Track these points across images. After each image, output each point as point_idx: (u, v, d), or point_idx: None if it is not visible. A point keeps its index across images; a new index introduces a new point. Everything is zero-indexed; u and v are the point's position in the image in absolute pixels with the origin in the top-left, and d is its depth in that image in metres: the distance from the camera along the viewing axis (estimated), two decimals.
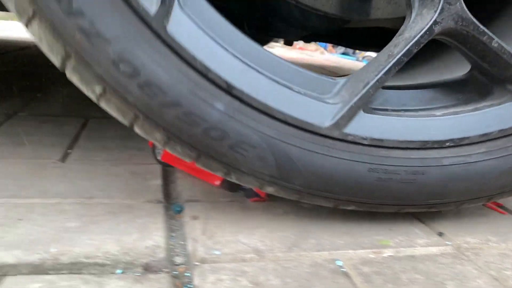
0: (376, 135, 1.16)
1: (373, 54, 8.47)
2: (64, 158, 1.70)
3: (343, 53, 7.80)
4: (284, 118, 1.07)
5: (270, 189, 1.20)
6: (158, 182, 1.55)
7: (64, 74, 1.08)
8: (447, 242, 1.28)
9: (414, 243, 1.25)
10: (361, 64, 7.62)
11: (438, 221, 1.41)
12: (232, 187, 1.47)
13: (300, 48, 8.38)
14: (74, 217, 1.23)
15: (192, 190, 1.51)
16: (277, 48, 7.15)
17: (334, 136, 1.12)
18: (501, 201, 1.60)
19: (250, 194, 1.44)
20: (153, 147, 1.69)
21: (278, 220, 1.32)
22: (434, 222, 1.40)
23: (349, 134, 1.13)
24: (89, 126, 2.21)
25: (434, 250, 1.23)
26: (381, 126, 1.16)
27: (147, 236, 1.17)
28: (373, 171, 1.17)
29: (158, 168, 1.65)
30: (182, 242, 1.19)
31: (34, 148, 1.76)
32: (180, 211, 1.35)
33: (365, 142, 1.15)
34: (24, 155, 1.68)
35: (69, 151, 1.80)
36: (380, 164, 1.17)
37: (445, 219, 1.44)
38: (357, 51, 7.27)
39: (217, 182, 1.48)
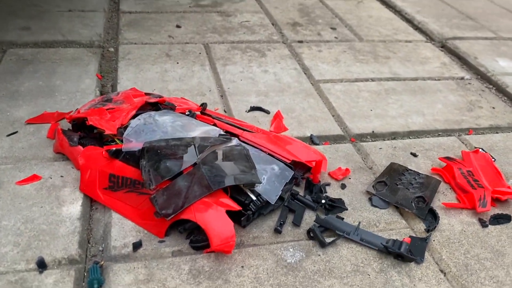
0: None
1: None
2: None
3: None
4: None
5: None
6: (77, 208, 1.06)
7: None
8: None
9: None
10: None
11: None
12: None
13: None
14: None
15: (123, 226, 1.04)
16: None
17: None
18: None
19: (201, 246, 0.98)
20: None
21: None
22: None
23: None
24: (3, 68, 1.61)
25: None
26: None
27: None
28: None
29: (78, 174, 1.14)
30: None
31: None
32: (98, 287, 0.91)
33: None
34: None
35: None
36: None
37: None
38: None
39: (163, 234, 1.01)
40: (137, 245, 0.99)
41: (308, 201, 1.12)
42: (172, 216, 0.98)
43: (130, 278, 0.93)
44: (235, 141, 1.14)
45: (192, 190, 1.00)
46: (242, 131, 1.24)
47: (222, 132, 1.19)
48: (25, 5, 2.10)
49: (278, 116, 1.46)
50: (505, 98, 1.79)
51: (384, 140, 1.44)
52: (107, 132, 1.17)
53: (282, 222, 1.06)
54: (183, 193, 1.00)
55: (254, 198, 1.04)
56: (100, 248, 1.00)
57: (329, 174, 1.24)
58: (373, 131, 1.47)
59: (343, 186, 1.21)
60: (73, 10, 2.10)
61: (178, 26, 2.06)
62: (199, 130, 1.17)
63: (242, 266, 0.97)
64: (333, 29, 2.21)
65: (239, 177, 1.02)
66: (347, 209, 1.13)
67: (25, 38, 1.81)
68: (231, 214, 0.99)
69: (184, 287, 0.92)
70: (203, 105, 1.33)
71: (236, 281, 0.94)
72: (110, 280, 0.92)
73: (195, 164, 1.05)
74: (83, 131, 1.25)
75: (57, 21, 1.98)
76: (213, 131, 1.18)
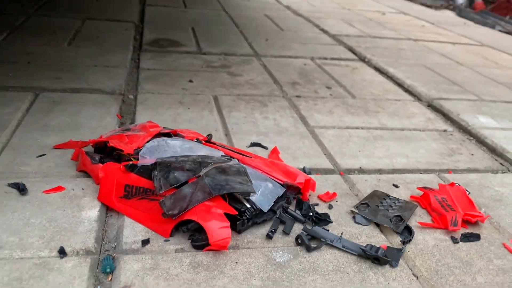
0: None
1: None
2: None
3: None
4: None
5: None
6: (94, 213, 1.22)
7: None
8: None
9: None
10: None
11: None
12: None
13: None
14: None
15: (134, 228, 1.19)
16: None
17: None
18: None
19: (201, 245, 1.12)
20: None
21: None
22: None
23: None
24: (36, 107, 1.84)
25: None
26: None
27: None
28: None
29: (97, 187, 1.31)
30: None
31: None
32: (110, 271, 1.05)
33: None
34: None
35: None
36: None
37: None
38: None
39: (168, 234, 1.16)
40: (145, 242, 1.13)
41: (298, 215, 1.27)
42: (178, 215, 1.13)
43: (138, 266, 1.06)
44: (235, 161, 1.32)
45: (196, 195, 1.16)
46: (242, 156, 1.42)
47: (223, 154, 1.37)
48: (56, 60, 2.39)
49: (275, 151, 1.64)
50: (484, 148, 1.96)
51: (370, 174, 1.61)
52: (125, 152, 1.36)
53: (273, 230, 1.20)
54: (187, 198, 1.16)
55: (248, 206, 1.19)
56: (113, 245, 1.14)
57: (318, 196, 1.40)
58: (360, 167, 1.64)
59: (330, 207, 1.36)
60: (98, 65, 2.39)
61: (191, 81, 2.32)
62: (204, 151, 1.36)
63: (236, 262, 1.10)
64: (329, 88, 2.46)
65: (236, 187, 1.19)
66: (332, 222, 1.27)
67: (56, 85, 2.07)
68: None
69: (184, 275, 1.05)
70: (209, 136, 1.53)
71: (230, 273, 1.06)
72: (121, 266, 1.05)
73: (199, 176, 1.22)
74: (103, 154, 1.44)
75: (84, 73, 2.25)
76: (216, 153, 1.36)
